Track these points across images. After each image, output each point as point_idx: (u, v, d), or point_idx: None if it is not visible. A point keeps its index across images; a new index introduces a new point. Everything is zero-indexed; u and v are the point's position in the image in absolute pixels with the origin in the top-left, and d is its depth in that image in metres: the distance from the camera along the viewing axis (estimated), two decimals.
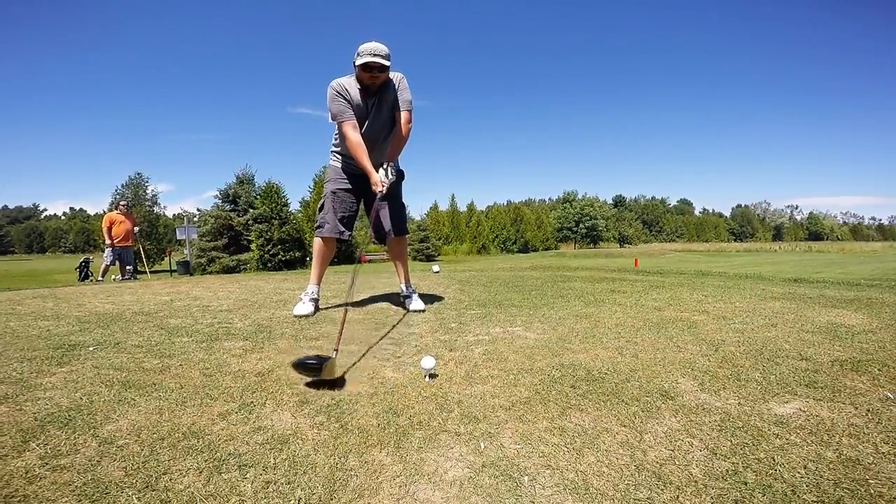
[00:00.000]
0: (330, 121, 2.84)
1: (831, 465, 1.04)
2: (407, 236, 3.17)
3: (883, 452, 1.09)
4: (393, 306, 3.07)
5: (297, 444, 1.18)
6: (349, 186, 2.97)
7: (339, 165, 3.00)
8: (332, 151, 3.04)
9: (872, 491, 0.95)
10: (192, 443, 1.18)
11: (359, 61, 2.65)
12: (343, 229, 2.99)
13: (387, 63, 2.66)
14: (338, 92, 2.76)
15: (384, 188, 2.64)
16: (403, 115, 2.80)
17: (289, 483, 1.02)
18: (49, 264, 36.16)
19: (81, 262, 12.95)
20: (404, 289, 3.10)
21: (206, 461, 1.09)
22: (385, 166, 2.72)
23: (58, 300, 3.55)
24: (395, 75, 2.80)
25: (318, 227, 3.04)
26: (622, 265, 8.26)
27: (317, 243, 3.07)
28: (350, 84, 2.79)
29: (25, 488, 0.98)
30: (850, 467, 1.03)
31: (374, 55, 2.61)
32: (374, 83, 2.72)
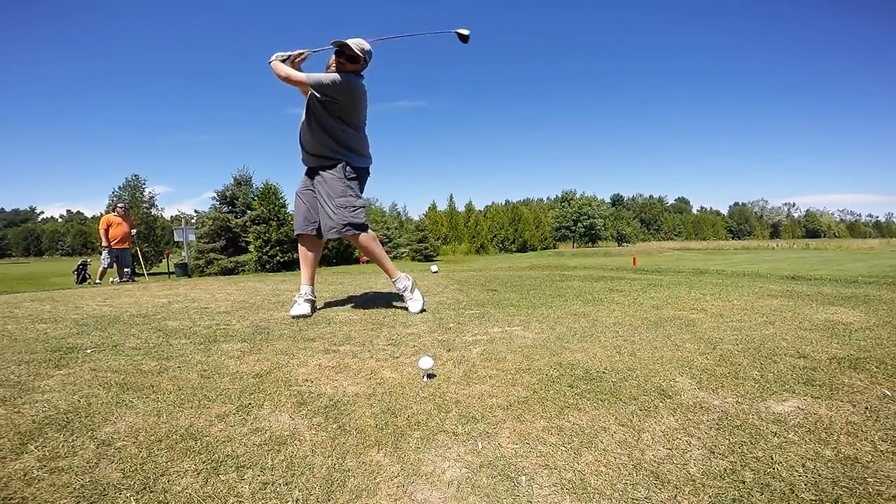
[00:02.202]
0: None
1: (829, 464, 1.04)
2: (351, 234, 2.92)
3: (881, 450, 1.09)
4: (391, 306, 3.07)
5: (295, 445, 1.18)
6: (311, 184, 2.99)
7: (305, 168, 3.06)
8: None
9: (871, 489, 0.95)
10: (189, 444, 1.17)
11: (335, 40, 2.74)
12: (309, 225, 2.99)
13: (358, 55, 2.75)
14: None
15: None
16: (306, 74, 2.80)
17: (286, 484, 1.02)
18: (46, 267, 36.08)
19: (79, 265, 12.96)
20: (396, 287, 3.00)
21: (203, 462, 1.09)
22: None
23: (55, 303, 3.54)
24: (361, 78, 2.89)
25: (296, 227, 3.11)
26: (620, 264, 8.27)
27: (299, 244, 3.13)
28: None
29: (24, 490, 0.98)
30: (848, 465, 1.03)
31: (354, 44, 2.72)
32: (337, 69, 2.80)
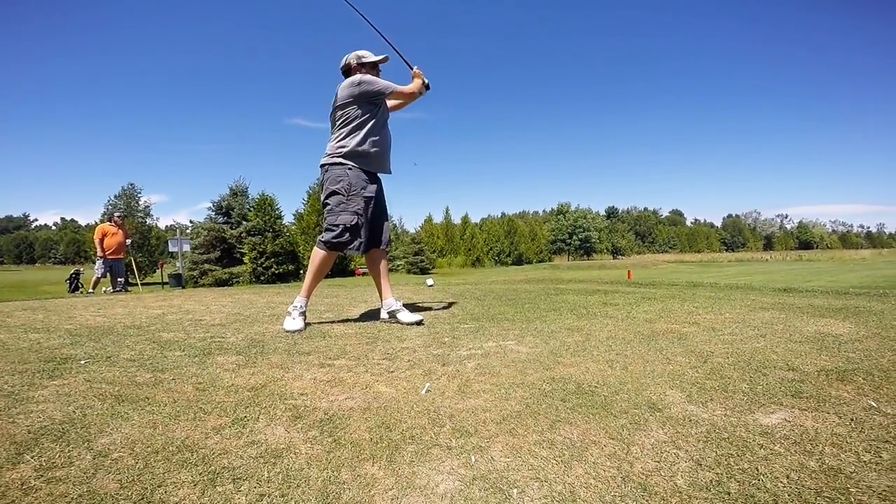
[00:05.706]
0: (366, 100, 2.81)
1: (813, 475, 1.07)
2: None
3: (864, 461, 1.12)
4: (386, 320, 3.08)
5: (291, 457, 1.20)
6: (375, 196, 2.94)
7: (369, 167, 2.91)
8: (344, 155, 2.86)
9: (853, 499, 0.98)
10: (186, 456, 1.19)
11: (369, 59, 2.83)
12: (368, 242, 2.98)
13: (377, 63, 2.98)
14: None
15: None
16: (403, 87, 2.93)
17: (282, 496, 1.03)
18: (38, 275, 35.75)
19: (71, 274, 12.89)
20: (393, 303, 3.00)
21: (200, 474, 1.10)
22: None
23: (48, 312, 3.53)
24: None
25: (348, 242, 2.85)
26: (615, 277, 8.31)
27: (323, 255, 2.91)
28: None
29: (22, 499, 0.99)
30: (831, 476, 1.06)
31: (380, 58, 2.90)
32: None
